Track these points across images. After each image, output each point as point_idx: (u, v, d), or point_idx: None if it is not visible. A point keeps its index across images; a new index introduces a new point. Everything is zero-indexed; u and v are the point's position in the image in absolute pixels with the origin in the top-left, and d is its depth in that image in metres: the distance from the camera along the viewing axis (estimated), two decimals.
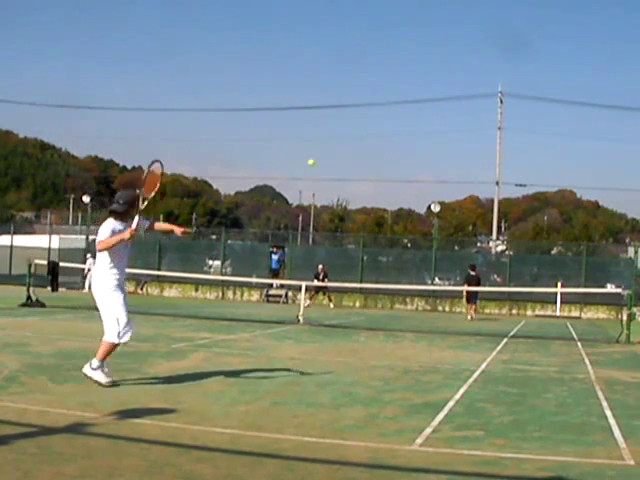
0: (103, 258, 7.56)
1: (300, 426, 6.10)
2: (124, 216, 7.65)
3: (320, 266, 28.32)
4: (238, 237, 44.37)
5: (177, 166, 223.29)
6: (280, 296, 29.89)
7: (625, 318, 16.50)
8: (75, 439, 5.32)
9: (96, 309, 7.68)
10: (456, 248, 40.60)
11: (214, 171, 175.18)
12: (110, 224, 7.57)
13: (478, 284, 24.19)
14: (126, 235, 7.41)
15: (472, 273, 24.19)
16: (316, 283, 26.84)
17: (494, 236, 51.08)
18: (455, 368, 10.46)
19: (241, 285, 30.86)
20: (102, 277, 7.57)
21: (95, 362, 7.43)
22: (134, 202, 7.69)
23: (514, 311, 28.53)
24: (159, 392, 7.33)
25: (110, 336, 7.48)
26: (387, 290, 28.76)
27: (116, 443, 5.28)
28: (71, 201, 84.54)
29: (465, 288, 23.92)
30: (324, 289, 28.09)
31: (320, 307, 26.87)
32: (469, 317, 24.13)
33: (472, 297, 24.42)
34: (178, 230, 8.11)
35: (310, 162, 15.88)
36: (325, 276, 27.85)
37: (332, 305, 28.37)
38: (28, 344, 10.81)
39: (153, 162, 7.87)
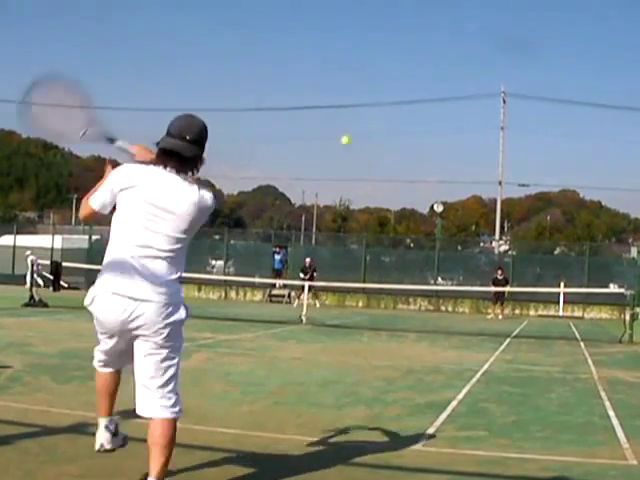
0: (182, 256, 4.00)
1: (303, 426, 6.10)
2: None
3: (308, 260, 27.59)
4: (241, 237, 44.30)
5: None
6: (283, 296, 29.87)
7: (628, 318, 16.48)
8: (78, 439, 5.33)
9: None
10: (459, 248, 40.57)
11: (217, 171, 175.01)
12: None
13: (504, 285, 25.83)
14: None
15: (499, 276, 26.06)
16: (302, 281, 24.63)
17: (497, 236, 50.91)
18: (458, 368, 10.45)
19: (244, 285, 30.82)
20: (178, 292, 4.00)
21: None
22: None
23: (517, 311, 28.49)
24: None
25: (172, 409, 4.02)
26: (390, 290, 28.69)
27: None
28: (74, 201, 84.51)
29: (492, 289, 25.54)
30: (310, 287, 25.44)
31: (321, 307, 26.83)
32: (500, 317, 25.53)
33: (499, 297, 26.22)
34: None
35: (344, 140, 15.05)
36: (314, 271, 27.00)
37: (318, 304, 26.73)
38: (31, 344, 10.82)
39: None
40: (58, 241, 35.15)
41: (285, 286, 29.75)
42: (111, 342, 4.06)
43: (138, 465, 4.67)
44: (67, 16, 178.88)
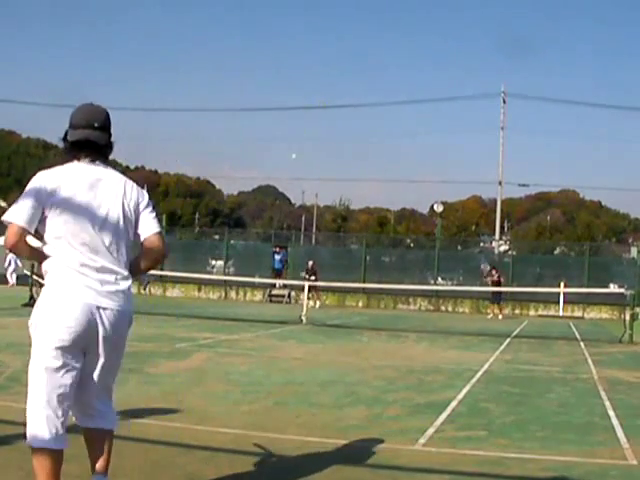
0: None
1: (303, 426, 6.10)
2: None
3: (310, 262, 27.78)
4: (241, 237, 44.33)
5: (180, 166, 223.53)
6: (283, 296, 29.88)
7: (628, 318, 16.49)
8: (77, 439, 5.31)
9: None
10: (459, 248, 40.58)
11: (217, 171, 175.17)
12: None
13: (498, 284, 25.68)
14: None
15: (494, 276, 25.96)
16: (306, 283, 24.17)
17: (497, 236, 50.93)
18: (458, 368, 10.45)
19: (244, 285, 30.85)
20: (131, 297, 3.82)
21: None
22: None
23: (517, 311, 28.52)
24: (162, 392, 7.33)
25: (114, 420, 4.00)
26: (390, 290, 28.72)
27: (119, 443, 5.27)
28: None
29: (491, 289, 25.47)
30: (312, 287, 25.55)
31: (323, 307, 26.84)
32: (500, 317, 25.33)
33: (495, 297, 26.08)
34: None
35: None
36: (314, 273, 27.06)
37: (318, 305, 26.82)
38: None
39: None
40: None
41: (285, 286, 29.76)
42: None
43: (138, 465, 4.68)
44: (67, 17, 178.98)
